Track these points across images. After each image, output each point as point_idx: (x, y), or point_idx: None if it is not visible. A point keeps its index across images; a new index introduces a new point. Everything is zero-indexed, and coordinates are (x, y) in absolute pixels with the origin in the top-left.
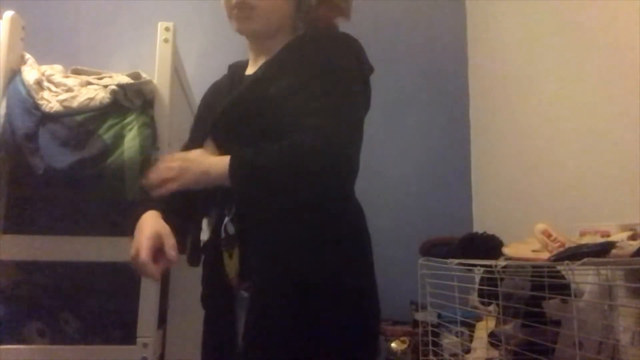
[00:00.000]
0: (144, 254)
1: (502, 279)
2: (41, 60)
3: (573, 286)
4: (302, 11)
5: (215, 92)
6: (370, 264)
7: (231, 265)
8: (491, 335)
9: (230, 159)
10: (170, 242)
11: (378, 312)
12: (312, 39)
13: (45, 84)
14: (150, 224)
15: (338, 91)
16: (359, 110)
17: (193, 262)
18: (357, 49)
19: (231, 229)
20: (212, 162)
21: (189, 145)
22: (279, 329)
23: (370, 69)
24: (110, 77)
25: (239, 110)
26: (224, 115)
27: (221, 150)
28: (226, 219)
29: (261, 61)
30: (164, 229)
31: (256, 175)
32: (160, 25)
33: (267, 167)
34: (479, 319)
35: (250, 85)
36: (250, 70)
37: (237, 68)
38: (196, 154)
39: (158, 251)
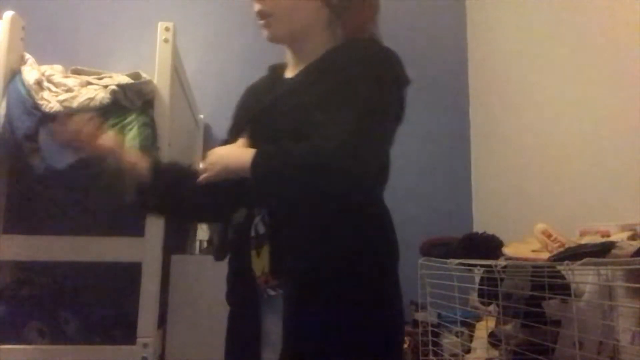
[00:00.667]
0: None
1: (502, 279)
2: (41, 60)
3: (573, 286)
4: (333, 11)
5: (253, 93)
6: (396, 272)
7: (259, 263)
8: (491, 335)
9: (254, 154)
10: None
11: (403, 323)
12: (348, 49)
13: (45, 84)
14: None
15: (367, 99)
16: (388, 120)
17: (219, 257)
18: (393, 60)
19: (261, 229)
20: (237, 155)
21: (225, 144)
22: (316, 333)
23: (406, 81)
24: (110, 77)
25: (273, 116)
26: (258, 118)
27: (257, 147)
28: (257, 219)
29: (300, 66)
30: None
31: (274, 171)
32: (160, 25)
33: (286, 164)
34: (479, 319)
35: (286, 93)
36: (289, 74)
37: (277, 69)
38: (226, 149)
39: None
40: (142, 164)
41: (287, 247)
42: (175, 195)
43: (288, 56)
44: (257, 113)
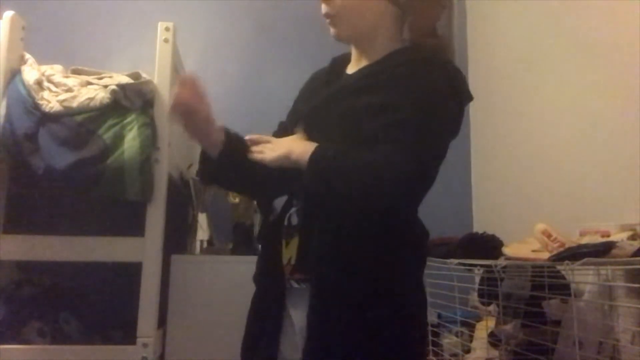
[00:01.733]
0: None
1: (502, 279)
2: (41, 60)
3: (573, 286)
4: (400, 10)
5: (313, 83)
6: (422, 285)
7: (287, 253)
8: (491, 335)
9: (313, 150)
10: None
11: (427, 334)
12: (411, 59)
13: (45, 84)
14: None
15: (427, 113)
16: (445, 135)
17: (259, 242)
18: (456, 75)
19: (294, 220)
20: (297, 147)
21: (279, 132)
22: (340, 336)
23: (469, 97)
24: (110, 77)
25: (326, 112)
26: (313, 112)
27: (309, 141)
28: (293, 209)
29: (363, 63)
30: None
31: (331, 171)
32: (160, 25)
33: (344, 168)
34: (479, 319)
35: (343, 90)
36: (351, 69)
37: (340, 62)
38: (288, 139)
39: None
40: (217, 131)
41: (314, 245)
42: (239, 168)
43: (352, 51)
44: (311, 109)
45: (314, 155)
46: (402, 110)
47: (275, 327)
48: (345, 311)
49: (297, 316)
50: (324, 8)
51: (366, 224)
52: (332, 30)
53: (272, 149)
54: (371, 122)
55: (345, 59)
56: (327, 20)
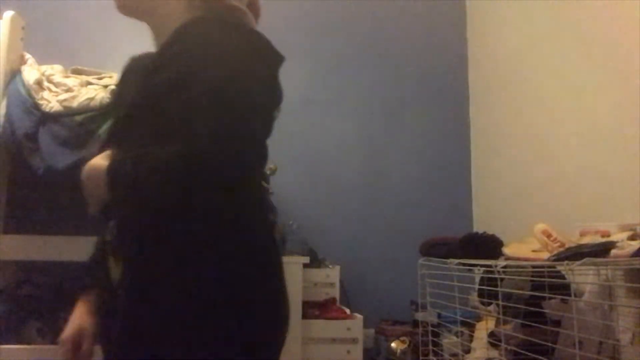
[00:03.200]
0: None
1: (502, 279)
2: (41, 60)
3: (573, 286)
4: None
5: (131, 71)
6: (260, 278)
7: (115, 269)
8: (491, 335)
9: (107, 170)
10: (86, 345)
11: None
12: (198, 26)
13: (45, 84)
14: (79, 316)
15: (225, 86)
16: (254, 106)
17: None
18: (254, 38)
19: (111, 234)
20: (92, 168)
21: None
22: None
23: (278, 58)
24: (110, 77)
25: (132, 105)
26: (124, 112)
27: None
28: (111, 222)
29: (160, 41)
30: (88, 327)
31: (127, 176)
32: None
33: (140, 169)
34: (479, 319)
35: (140, 77)
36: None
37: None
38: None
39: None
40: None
41: (123, 257)
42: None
43: (149, 30)
44: (116, 104)
45: (110, 166)
46: (195, 89)
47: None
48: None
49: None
50: None
51: (176, 222)
52: (114, 2)
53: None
54: (167, 104)
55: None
56: None
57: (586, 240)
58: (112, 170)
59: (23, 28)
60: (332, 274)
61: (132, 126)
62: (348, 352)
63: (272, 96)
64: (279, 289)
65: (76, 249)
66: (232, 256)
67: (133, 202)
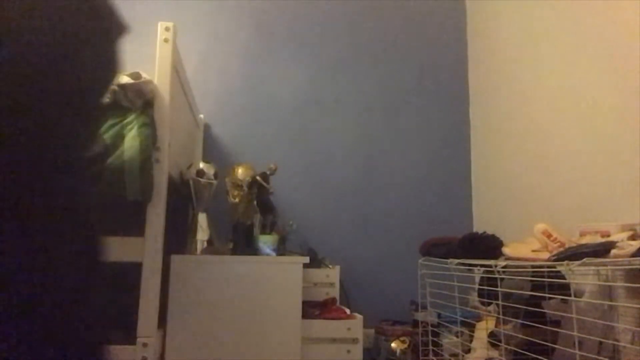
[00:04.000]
0: None
1: (502, 279)
2: None
3: (573, 286)
4: None
5: None
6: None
7: None
8: (491, 335)
9: None
10: None
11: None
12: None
13: None
14: None
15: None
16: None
17: None
18: (92, 5)
19: None
20: None
21: None
22: None
23: (119, 28)
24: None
25: None
26: None
27: None
28: None
29: None
30: None
31: None
32: (160, 25)
33: None
34: (479, 319)
35: None
36: None
37: None
38: None
39: None
40: None
41: None
42: None
43: None
44: None
45: None
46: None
47: None
48: None
49: None
50: None
51: None
52: None
53: None
54: None
55: None
56: None
57: (586, 240)
58: None
59: None
60: (332, 274)
61: None
62: (348, 352)
63: (110, 68)
64: None
65: None
66: None
67: None
